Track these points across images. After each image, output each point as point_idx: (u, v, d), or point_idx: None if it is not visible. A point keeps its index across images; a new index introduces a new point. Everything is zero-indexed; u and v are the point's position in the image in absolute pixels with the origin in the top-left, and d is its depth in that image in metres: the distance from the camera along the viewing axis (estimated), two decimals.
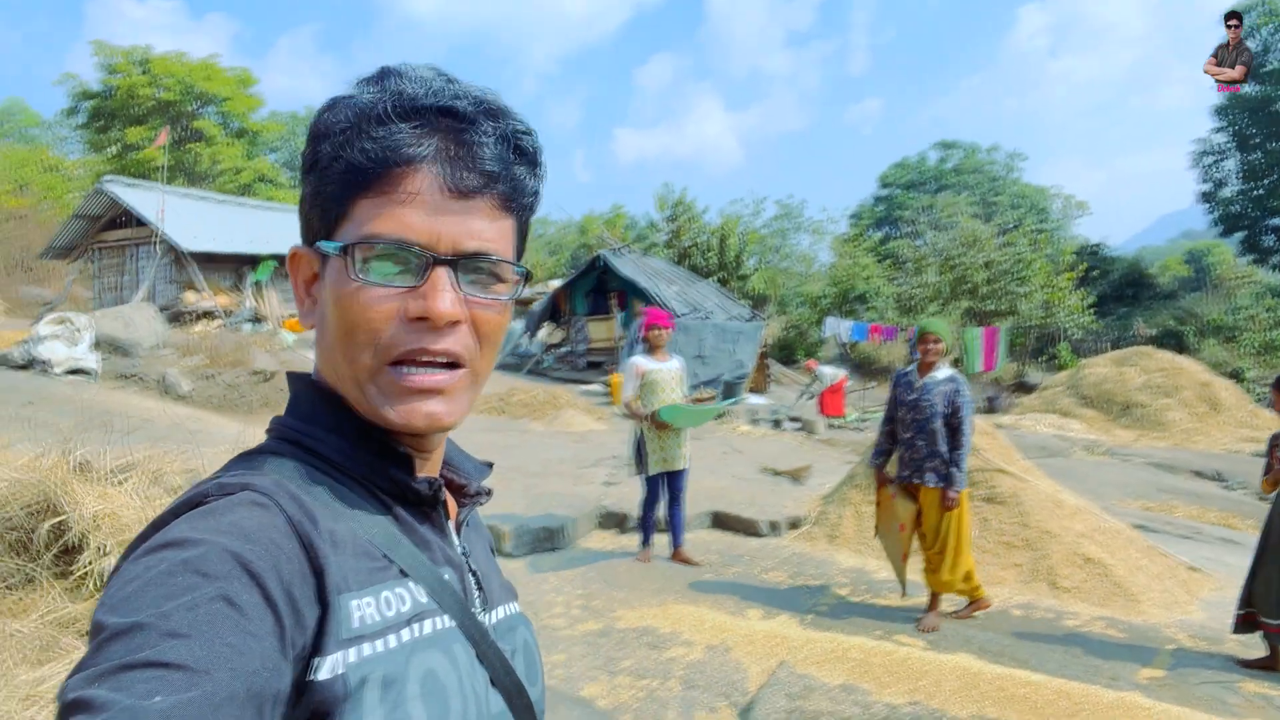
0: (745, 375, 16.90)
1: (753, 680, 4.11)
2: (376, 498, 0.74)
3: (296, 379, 0.79)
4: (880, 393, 20.91)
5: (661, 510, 6.12)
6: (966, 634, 4.95)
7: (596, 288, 21.16)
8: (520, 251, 0.81)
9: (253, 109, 36.63)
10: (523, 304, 25.31)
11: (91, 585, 3.60)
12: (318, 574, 0.62)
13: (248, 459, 0.72)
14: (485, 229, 0.72)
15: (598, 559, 6.14)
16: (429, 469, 0.81)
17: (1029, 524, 6.18)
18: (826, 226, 41.01)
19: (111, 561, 3.61)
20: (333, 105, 0.73)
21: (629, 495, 7.37)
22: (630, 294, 19.55)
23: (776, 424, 15.13)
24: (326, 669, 0.60)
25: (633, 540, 6.67)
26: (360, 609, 0.64)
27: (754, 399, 17.41)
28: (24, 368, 11.22)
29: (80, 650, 3.35)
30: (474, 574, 0.81)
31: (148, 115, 32.40)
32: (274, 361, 13.00)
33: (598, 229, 30.55)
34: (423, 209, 0.70)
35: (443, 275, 0.70)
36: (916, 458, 5.06)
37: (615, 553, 6.34)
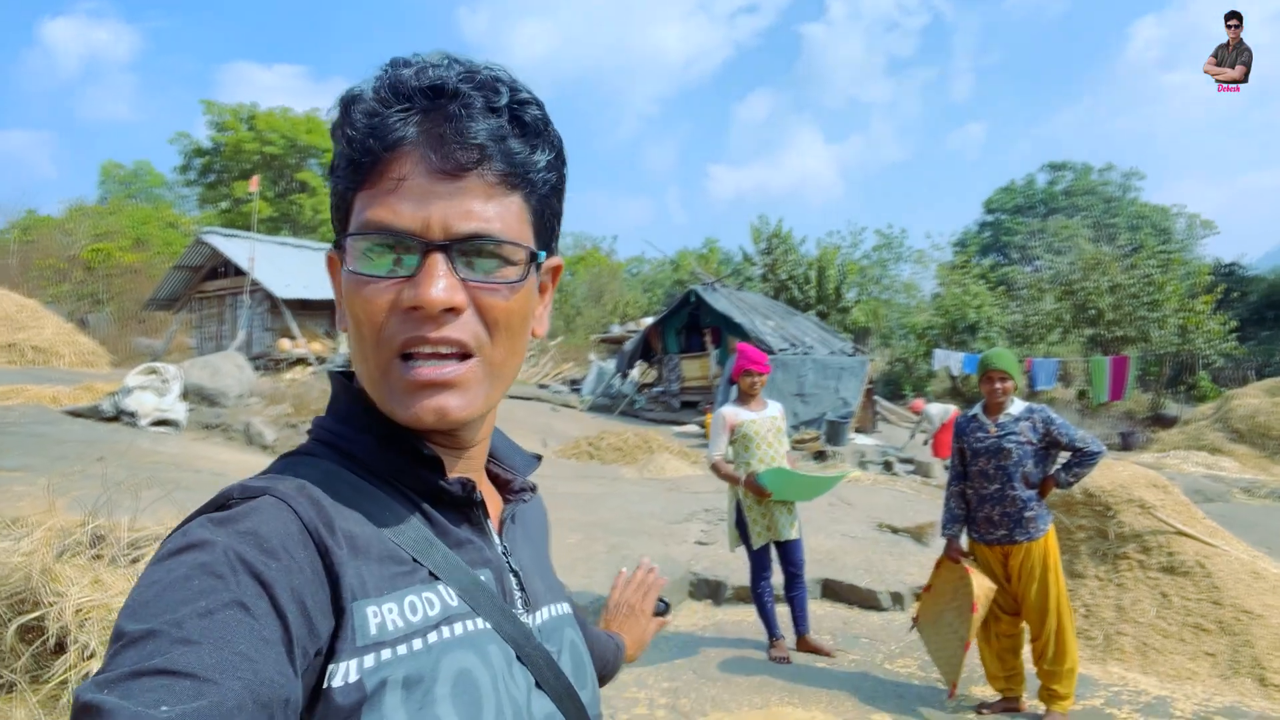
0: (851, 414, 15.74)
1: None
2: (409, 499, 0.72)
3: (336, 378, 0.76)
4: None
5: (777, 578, 5.14)
6: None
7: (690, 324, 20.35)
8: (544, 232, 0.75)
9: None
10: (614, 342, 24.73)
11: (68, 696, 2.98)
12: (333, 581, 0.61)
13: (288, 460, 0.71)
14: (482, 209, 0.68)
15: (687, 642, 5.24)
16: (470, 466, 0.79)
17: (1222, 601, 4.97)
18: (931, 255, 39.22)
19: (95, 665, 3.00)
20: (340, 103, 0.71)
21: (725, 558, 6.47)
22: (725, 330, 18.67)
23: (887, 467, 13.92)
24: (340, 676, 0.60)
25: (730, 615, 5.76)
26: (379, 615, 0.63)
27: (861, 439, 16.21)
28: (113, 419, 11.12)
29: None
30: (515, 574, 0.79)
31: (254, 170, 33.68)
32: None
33: (690, 265, 29.83)
34: (411, 194, 0.67)
35: (435, 261, 0.66)
36: (1010, 511, 4.10)
37: (708, 633, 5.43)
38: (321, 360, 18.70)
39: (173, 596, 0.54)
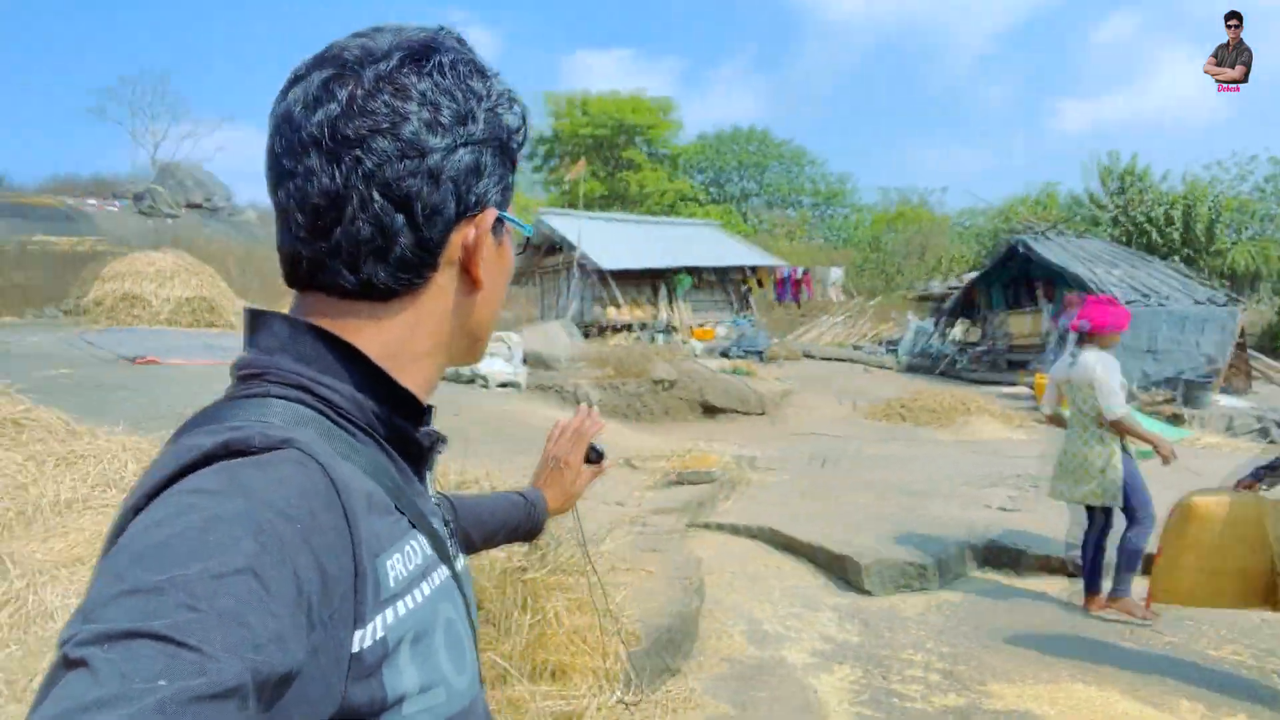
0: (1215, 373, 13.63)
1: None
2: (381, 448, 0.72)
3: (281, 319, 0.71)
4: None
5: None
6: None
7: (1017, 277, 18.75)
8: None
9: (672, 133, 39.29)
10: (934, 299, 23.49)
11: None
12: (355, 541, 0.60)
13: (255, 403, 0.66)
14: None
15: (975, 610, 5.01)
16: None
17: None
18: None
19: None
20: (521, 107, 0.80)
21: (1027, 525, 6.05)
22: (1059, 283, 16.97)
23: (1264, 433, 11.88)
24: (369, 636, 0.61)
25: (1029, 585, 5.39)
26: (394, 567, 0.65)
27: (1229, 401, 13.96)
28: (469, 382, 12.89)
29: None
30: (448, 523, 0.83)
31: (585, 152, 36.50)
32: (673, 371, 13.35)
33: (1020, 214, 27.32)
34: None
35: None
36: None
37: (1000, 603, 5.12)
38: (643, 326, 19.96)
39: (184, 547, 0.51)
